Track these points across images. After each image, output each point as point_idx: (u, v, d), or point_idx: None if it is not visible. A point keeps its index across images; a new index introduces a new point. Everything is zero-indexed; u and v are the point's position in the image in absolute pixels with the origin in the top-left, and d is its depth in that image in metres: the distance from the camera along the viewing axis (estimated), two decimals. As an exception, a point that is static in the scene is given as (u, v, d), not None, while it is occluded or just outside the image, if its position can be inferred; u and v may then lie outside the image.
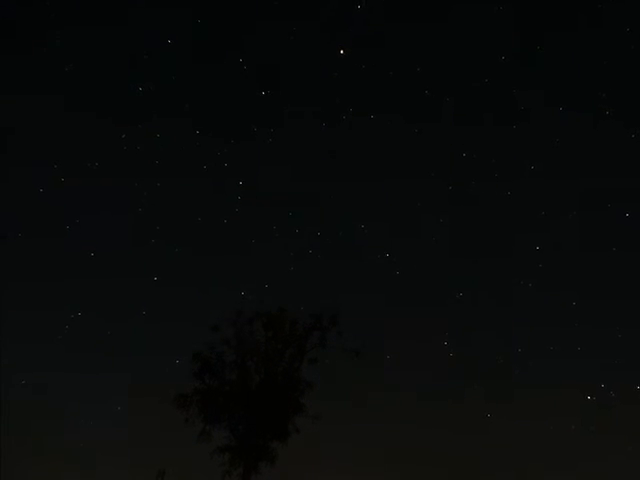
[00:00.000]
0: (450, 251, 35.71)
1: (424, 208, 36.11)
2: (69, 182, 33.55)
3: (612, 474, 28.59)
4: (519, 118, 35.48)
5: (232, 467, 22.60)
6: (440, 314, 34.46)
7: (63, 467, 25.50)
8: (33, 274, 33.12)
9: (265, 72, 35.75)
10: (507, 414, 31.45)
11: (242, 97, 36.01)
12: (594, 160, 35.35)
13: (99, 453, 26.33)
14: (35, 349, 30.50)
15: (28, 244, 32.95)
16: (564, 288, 34.10)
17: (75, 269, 33.74)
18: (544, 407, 31.70)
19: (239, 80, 35.41)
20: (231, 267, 34.81)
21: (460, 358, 32.77)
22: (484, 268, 35.41)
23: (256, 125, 35.80)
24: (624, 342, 32.45)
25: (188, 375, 23.66)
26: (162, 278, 33.26)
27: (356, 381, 26.56)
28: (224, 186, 35.26)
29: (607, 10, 34.39)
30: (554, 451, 30.38)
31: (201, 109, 36.09)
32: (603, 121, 34.60)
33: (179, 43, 34.42)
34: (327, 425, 23.82)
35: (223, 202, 35.21)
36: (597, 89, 34.66)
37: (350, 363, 23.88)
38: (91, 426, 27.82)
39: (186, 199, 35.65)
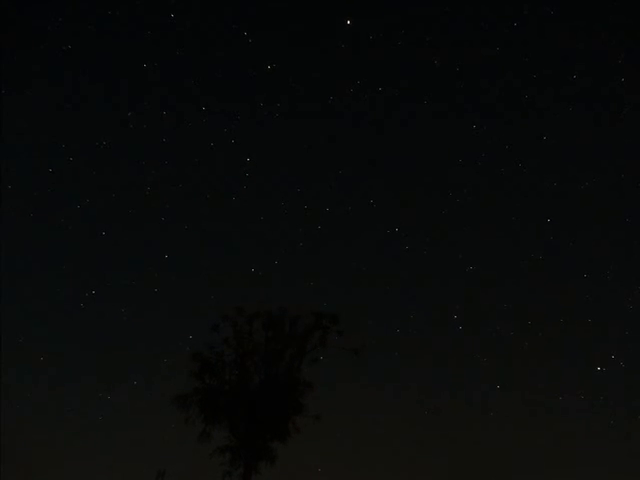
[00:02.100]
0: (460, 224, 35.21)
1: (433, 181, 35.56)
2: (78, 162, 33.97)
3: (620, 443, 29.40)
4: (531, 87, 34.43)
5: (232, 467, 22.66)
6: (450, 287, 34.39)
7: (63, 467, 26.12)
8: (41, 256, 33.48)
9: (270, 45, 34.84)
10: (517, 386, 31.60)
11: (248, 72, 35.24)
12: (608, 130, 34.34)
13: (99, 453, 26.84)
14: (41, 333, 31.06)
15: (39, 223, 33.28)
16: (575, 260, 33.91)
17: (86, 248, 34.04)
18: (554, 377, 31.94)
19: (244, 54, 34.60)
20: (239, 244, 34.84)
21: (470, 331, 32.79)
22: (495, 241, 35.03)
23: (262, 100, 35.12)
24: (635, 314, 32.48)
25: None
26: (173, 256, 33.43)
27: (356, 381, 26.57)
28: (231, 163, 34.98)
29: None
30: (563, 423, 30.54)
31: (206, 85, 35.43)
32: (618, 88, 33.44)
33: (181, 18, 33.62)
34: (327, 425, 23.93)
35: (231, 179, 35.01)
36: (613, 56, 33.25)
37: (350, 363, 23.85)
38: (91, 425, 28.34)
39: (194, 177, 35.44)
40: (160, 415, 24.86)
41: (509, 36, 34.28)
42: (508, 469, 28.94)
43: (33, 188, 33.55)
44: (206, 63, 35.49)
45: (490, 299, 34.25)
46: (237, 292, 33.61)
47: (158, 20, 33.64)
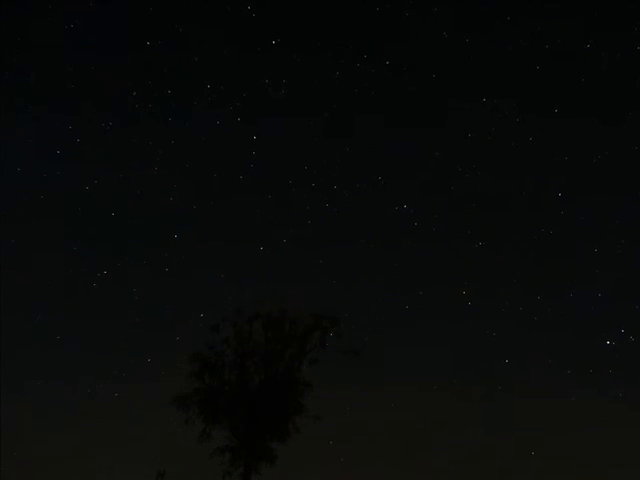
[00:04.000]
0: (469, 200, 34.43)
1: (442, 157, 34.70)
2: (84, 143, 33.49)
3: (629, 418, 29.11)
4: (543, 58, 33.17)
5: (232, 467, 22.83)
6: (459, 263, 34.00)
7: (63, 467, 26.16)
8: (47, 238, 33.51)
9: (274, 20, 33.69)
10: (523, 360, 31.58)
11: (252, 47, 34.24)
12: (621, 102, 33.24)
13: (99, 452, 26.84)
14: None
15: (48, 207, 33.26)
16: (586, 234, 33.30)
17: (96, 230, 34.05)
18: (561, 353, 31.68)
19: (248, 29, 33.56)
20: (247, 222, 34.54)
21: (478, 307, 32.54)
22: (504, 216, 34.34)
23: (267, 76, 34.13)
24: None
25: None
26: (181, 236, 33.29)
27: (356, 381, 26.46)
28: (238, 141, 34.38)
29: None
30: (571, 397, 30.54)
31: (210, 62, 34.53)
32: (633, 58, 31.93)
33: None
34: (327, 425, 23.94)
35: (238, 158, 34.48)
36: (629, 24, 31.71)
37: (350, 363, 23.76)
38: (91, 425, 28.54)
39: (201, 155, 34.95)
40: (160, 415, 25.04)
41: (520, 5, 32.71)
42: (510, 432, 29.37)
43: (41, 170, 33.36)
44: (209, 39, 34.47)
45: (499, 274, 33.75)
46: (243, 273, 33.38)
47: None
